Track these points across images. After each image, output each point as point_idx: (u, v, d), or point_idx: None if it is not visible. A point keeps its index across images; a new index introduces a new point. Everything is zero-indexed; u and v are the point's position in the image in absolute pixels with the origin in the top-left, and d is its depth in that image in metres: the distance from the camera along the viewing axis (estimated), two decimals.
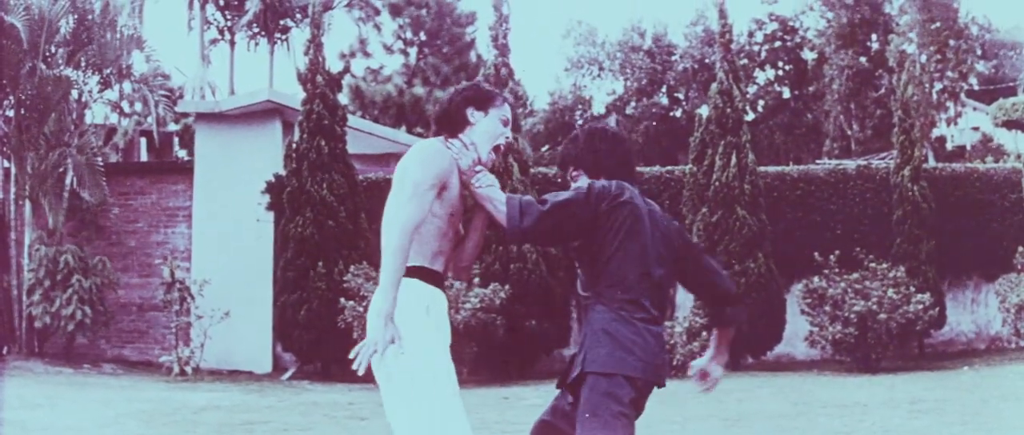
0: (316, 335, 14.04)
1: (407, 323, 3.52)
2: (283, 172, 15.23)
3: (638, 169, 16.13)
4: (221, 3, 31.91)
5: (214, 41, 32.53)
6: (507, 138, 3.82)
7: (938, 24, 27.80)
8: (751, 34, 34.75)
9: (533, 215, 3.59)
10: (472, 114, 3.74)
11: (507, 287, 13.66)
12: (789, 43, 34.75)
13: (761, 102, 35.14)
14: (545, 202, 3.62)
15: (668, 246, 3.78)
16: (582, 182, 3.80)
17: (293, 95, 16.25)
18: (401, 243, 3.48)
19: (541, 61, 60.10)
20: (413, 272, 3.59)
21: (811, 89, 34.06)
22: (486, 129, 3.74)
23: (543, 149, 34.05)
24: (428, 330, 3.58)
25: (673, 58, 34.18)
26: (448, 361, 3.60)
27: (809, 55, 34.42)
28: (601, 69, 35.34)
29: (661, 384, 3.73)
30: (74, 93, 15.98)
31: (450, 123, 3.75)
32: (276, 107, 16.20)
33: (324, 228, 14.45)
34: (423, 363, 3.52)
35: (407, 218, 3.49)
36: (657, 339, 3.69)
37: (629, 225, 3.64)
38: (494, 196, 3.69)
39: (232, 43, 32.10)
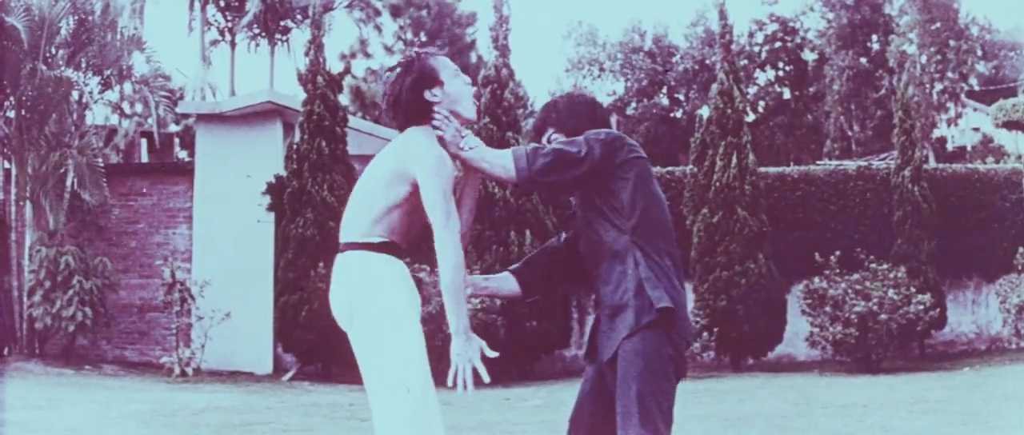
0: (317, 336, 14.03)
1: (380, 293, 3.55)
2: (284, 173, 15.23)
3: None
4: (222, 4, 31.93)
5: (215, 42, 32.56)
6: (472, 85, 3.75)
7: (938, 25, 27.81)
8: (751, 35, 34.75)
9: (544, 161, 3.56)
10: (432, 93, 3.66)
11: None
12: (789, 44, 34.75)
13: (762, 103, 35.13)
14: (552, 147, 3.61)
15: None
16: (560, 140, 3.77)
17: (294, 96, 16.26)
18: (459, 259, 3.49)
19: (542, 62, 60.13)
20: (388, 247, 3.58)
21: (811, 90, 34.07)
22: (451, 95, 3.68)
23: None
24: (404, 301, 3.59)
25: (674, 59, 34.19)
26: (421, 336, 3.62)
27: (809, 56, 34.44)
28: (602, 70, 35.34)
29: (691, 338, 3.73)
30: (74, 94, 15.97)
31: (417, 116, 3.67)
32: (277, 108, 16.20)
33: (325, 229, 14.45)
34: (399, 335, 3.55)
35: (455, 230, 3.49)
36: (683, 295, 3.67)
37: (648, 176, 3.67)
38: (485, 154, 3.66)
39: (233, 44, 32.13)
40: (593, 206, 3.67)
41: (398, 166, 3.57)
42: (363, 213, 3.60)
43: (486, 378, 3.51)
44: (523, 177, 3.56)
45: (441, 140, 3.64)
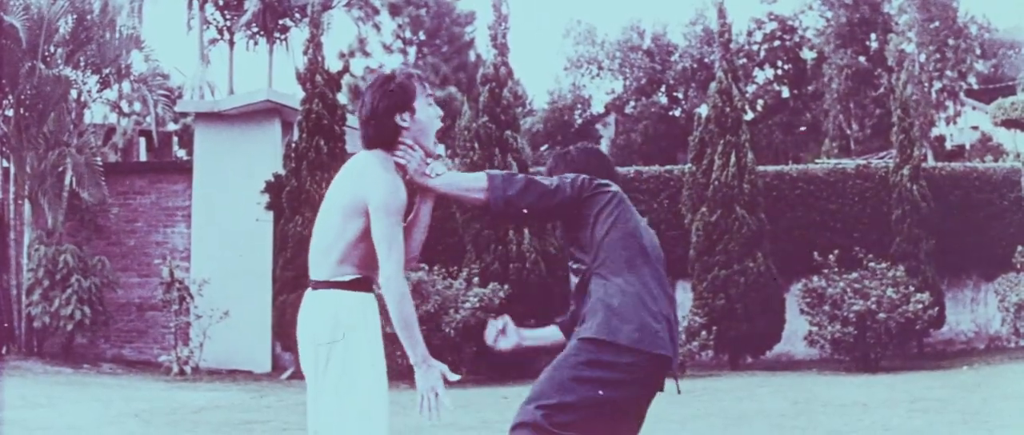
0: None
1: (347, 333, 3.54)
2: (282, 172, 15.23)
3: (637, 168, 16.21)
4: (220, 3, 31.90)
5: (213, 41, 32.52)
6: (440, 119, 3.72)
7: (937, 23, 27.82)
8: (750, 33, 34.75)
9: (518, 186, 3.64)
10: (403, 119, 3.61)
11: (506, 287, 13.67)
12: (788, 42, 34.75)
13: (760, 101, 35.13)
14: (527, 176, 3.73)
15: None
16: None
17: (292, 95, 16.24)
18: (403, 290, 3.50)
19: (540, 60, 60.17)
20: (357, 284, 3.58)
21: (810, 88, 34.06)
22: (421, 124, 3.64)
23: (542, 148, 34.04)
24: (370, 342, 3.58)
25: (672, 57, 34.18)
26: (383, 373, 3.61)
27: (808, 54, 34.43)
28: (600, 68, 35.33)
29: (669, 365, 3.68)
30: (73, 93, 15.97)
31: (385, 139, 3.62)
32: (275, 107, 16.19)
33: None
34: (363, 377, 3.54)
35: (397, 264, 3.50)
36: (661, 314, 3.67)
37: (616, 206, 3.74)
38: (456, 179, 3.72)
39: (231, 43, 32.09)
40: (569, 243, 3.83)
41: (353, 198, 3.54)
42: (328, 249, 3.59)
43: (448, 405, 3.54)
44: (496, 198, 3.61)
45: (403, 168, 3.61)
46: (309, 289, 3.67)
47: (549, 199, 3.68)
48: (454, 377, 3.56)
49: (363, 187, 3.52)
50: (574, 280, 3.86)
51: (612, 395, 3.57)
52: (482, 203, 3.65)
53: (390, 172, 3.55)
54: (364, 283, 3.58)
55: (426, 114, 3.65)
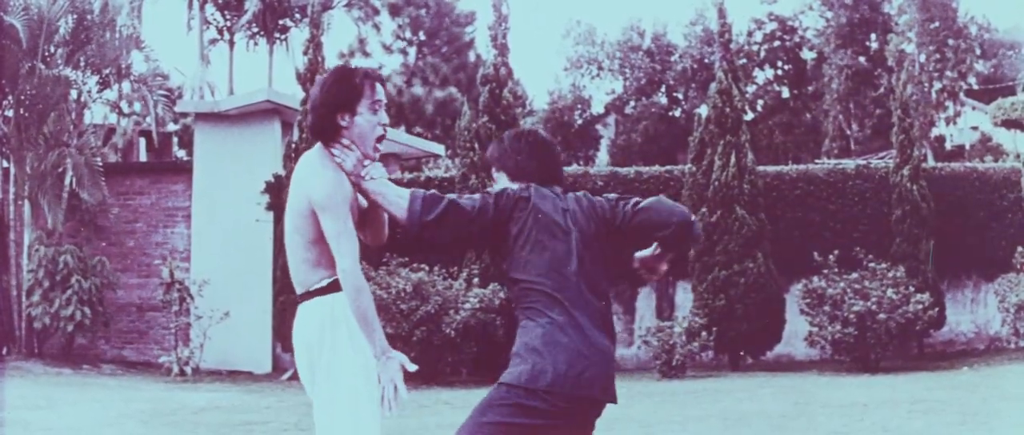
0: None
1: (338, 338, 3.57)
2: (282, 172, 15.22)
3: (637, 169, 16.21)
4: (220, 3, 31.89)
5: (213, 41, 32.52)
6: (384, 125, 3.69)
7: (937, 24, 27.82)
8: (750, 34, 34.75)
9: (436, 211, 3.50)
10: (342, 119, 3.61)
11: (506, 287, 13.67)
12: (788, 43, 34.75)
13: (760, 102, 35.13)
14: (450, 197, 3.56)
15: (597, 230, 3.64)
16: (500, 183, 3.75)
17: (292, 95, 16.25)
18: (359, 283, 3.48)
19: (540, 61, 60.18)
20: (335, 287, 3.58)
21: (810, 89, 34.07)
22: (359, 129, 3.62)
23: None
24: (353, 353, 3.58)
25: (672, 58, 34.18)
26: (373, 376, 3.59)
27: (808, 55, 34.44)
28: (600, 68, 35.33)
29: (596, 404, 3.53)
30: (73, 93, 15.97)
31: (325, 133, 3.63)
32: (275, 107, 16.19)
33: None
34: (351, 388, 3.56)
35: (353, 259, 3.50)
36: (587, 348, 3.48)
37: (531, 230, 3.53)
38: (385, 190, 3.60)
39: (231, 43, 32.09)
40: (503, 261, 3.65)
41: (304, 199, 3.57)
42: (299, 260, 3.63)
43: (404, 395, 3.51)
44: (413, 221, 3.51)
45: (341, 166, 3.62)
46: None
47: (467, 225, 3.53)
48: (412, 367, 3.54)
49: (307, 187, 3.55)
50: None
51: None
52: (400, 221, 3.57)
53: (329, 168, 3.57)
54: (338, 285, 3.59)
55: (366, 120, 3.62)
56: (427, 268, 13.55)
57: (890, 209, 15.34)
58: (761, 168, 15.63)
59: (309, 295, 3.62)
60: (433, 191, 3.59)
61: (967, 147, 28.22)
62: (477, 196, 3.59)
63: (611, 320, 3.67)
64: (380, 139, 3.66)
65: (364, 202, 3.75)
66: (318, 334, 3.59)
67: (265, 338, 15.44)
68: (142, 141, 24.46)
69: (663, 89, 34.69)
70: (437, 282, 13.37)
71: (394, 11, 37.59)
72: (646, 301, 15.91)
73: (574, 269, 3.55)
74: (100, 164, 16.09)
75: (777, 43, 34.84)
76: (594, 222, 3.65)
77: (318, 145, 3.65)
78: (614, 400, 3.60)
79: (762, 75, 35.77)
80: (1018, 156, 21.22)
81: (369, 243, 3.89)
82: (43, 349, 15.25)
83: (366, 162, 3.63)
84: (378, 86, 3.67)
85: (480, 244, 3.42)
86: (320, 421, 3.60)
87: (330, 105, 3.60)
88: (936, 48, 27.85)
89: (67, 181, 15.40)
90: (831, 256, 14.09)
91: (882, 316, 13.47)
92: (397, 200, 3.56)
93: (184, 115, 23.32)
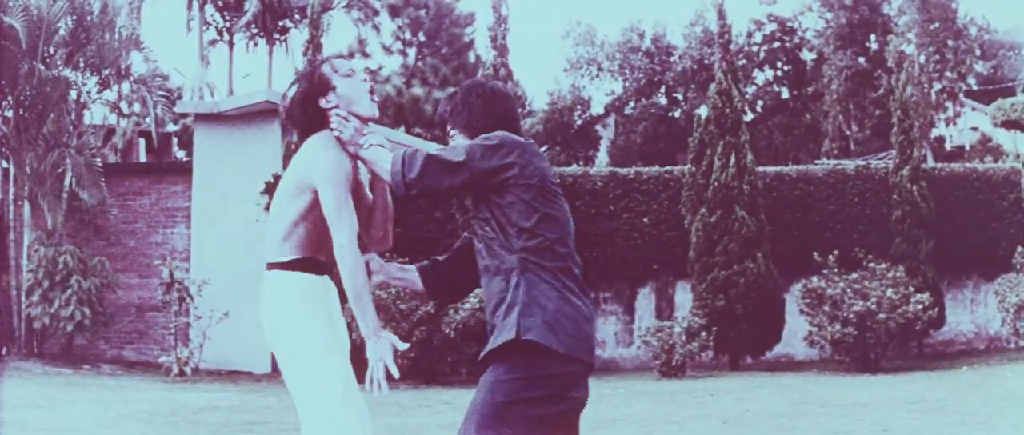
0: None
1: (282, 313, 3.62)
2: (282, 172, 15.21)
3: (637, 169, 16.21)
4: (220, 4, 31.91)
5: (213, 42, 32.52)
6: (367, 82, 3.74)
7: (937, 24, 27.82)
8: (750, 35, 34.74)
9: (417, 167, 3.35)
10: (325, 101, 3.67)
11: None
12: (788, 44, 34.74)
13: (760, 102, 35.13)
14: (430, 152, 3.41)
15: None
16: (457, 142, 3.54)
17: None
18: (356, 260, 3.48)
19: (540, 61, 60.15)
20: (296, 264, 3.62)
21: (810, 89, 34.06)
22: (346, 95, 3.67)
23: (542, 149, 34.04)
24: (302, 318, 3.61)
25: (672, 58, 34.17)
26: (332, 343, 3.63)
27: (808, 55, 34.43)
28: (600, 69, 35.31)
29: (591, 363, 3.34)
30: (73, 94, 15.97)
31: (314, 124, 3.68)
32: (275, 107, 16.17)
33: None
34: (302, 350, 3.59)
35: (349, 235, 3.50)
36: (587, 311, 3.34)
37: (535, 185, 3.35)
38: (378, 156, 3.53)
39: (231, 44, 32.10)
40: (482, 216, 3.42)
41: (299, 177, 3.61)
42: (273, 232, 3.66)
43: (395, 373, 3.49)
44: (397, 182, 3.41)
45: (341, 141, 3.62)
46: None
47: (452, 175, 3.33)
48: (403, 346, 3.53)
49: (306, 166, 3.59)
50: (478, 246, 3.47)
51: (549, 410, 3.25)
52: (392, 187, 3.49)
53: (330, 148, 3.60)
54: (306, 263, 3.62)
55: (346, 86, 3.69)
56: None
57: (890, 209, 15.35)
58: (761, 169, 15.64)
59: (271, 266, 3.66)
60: (416, 149, 3.49)
61: (967, 148, 28.22)
62: (459, 147, 3.40)
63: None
64: (372, 92, 3.71)
65: (371, 196, 3.78)
66: (270, 307, 3.65)
67: (265, 338, 15.43)
68: (142, 142, 24.47)
69: (663, 90, 34.69)
70: None
71: (394, 12, 37.60)
72: (646, 301, 15.91)
73: (570, 228, 3.43)
74: (100, 164, 16.10)
75: (777, 44, 34.83)
76: None
77: (315, 135, 3.68)
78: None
79: (762, 76, 35.76)
80: (1018, 157, 21.23)
81: (371, 245, 3.89)
82: (43, 349, 15.25)
83: (366, 129, 3.63)
84: (337, 61, 3.76)
85: (470, 194, 3.21)
86: (288, 384, 3.66)
87: (306, 98, 3.68)
88: (936, 49, 27.85)
89: (67, 181, 15.40)
90: (831, 256, 14.09)
91: (882, 316, 13.47)
92: (386, 163, 3.49)
93: (184, 116, 23.31)
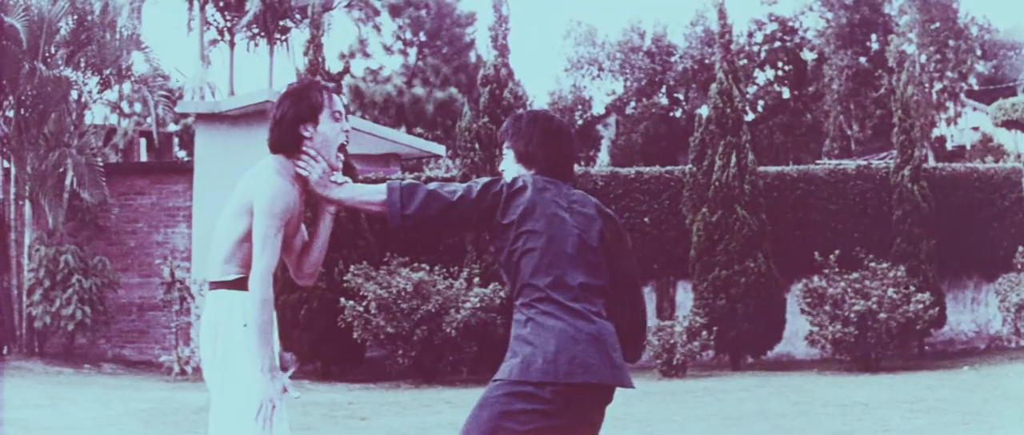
0: (316, 335, 14.04)
1: (224, 332, 3.60)
2: None
3: (638, 169, 16.22)
4: (221, 4, 31.94)
5: (214, 42, 32.59)
6: (346, 133, 3.72)
7: (938, 24, 27.82)
8: (751, 34, 34.77)
9: (417, 201, 3.44)
10: (306, 130, 3.64)
11: (507, 287, 13.67)
12: (789, 43, 34.77)
13: (761, 102, 35.16)
14: (429, 187, 3.47)
15: (600, 234, 3.53)
16: (507, 162, 3.63)
17: None
18: (266, 295, 3.50)
19: (541, 61, 60.22)
20: (240, 284, 3.60)
21: (811, 89, 34.08)
22: (324, 138, 3.64)
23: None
24: (241, 338, 3.60)
25: (673, 58, 34.19)
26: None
27: (809, 55, 34.46)
28: (601, 69, 35.35)
29: (598, 389, 3.36)
30: (74, 93, 15.98)
31: (287, 146, 3.66)
32: None
33: None
34: (240, 371, 3.57)
35: (267, 267, 3.51)
36: (580, 335, 3.34)
37: (526, 221, 3.41)
38: (357, 193, 3.58)
39: (232, 44, 32.15)
40: (494, 246, 3.54)
41: (244, 197, 3.60)
42: (218, 249, 3.65)
43: (283, 421, 3.54)
44: (393, 213, 3.46)
45: (303, 180, 3.63)
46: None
47: (449, 213, 3.44)
48: (295, 395, 3.56)
49: (253, 187, 3.58)
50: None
51: (539, 426, 3.30)
52: (381, 215, 3.53)
53: (283, 177, 3.59)
54: (246, 283, 3.60)
55: (330, 128, 3.65)
56: (428, 267, 13.55)
57: (891, 209, 15.35)
58: (762, 168, 15.64)
59: (214, 285, 3.65)
60: (410, 180, 3.53)
61: (968, 148, 28.22)
62: (460, 185, 3.50)
63: (604, 314, 3.48)
64: (342, 148, 3.68)
65: (306, 234, 3.76)
66: (212, 329, 3.64)
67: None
68: (143, 141, 24.48)
69: (664, 90, 34.70)
70: (438, 281, 13.37)
71: (395, 12, 37.62)
72: (647, 301, 15.92)
73: (571, 257, 3.43)
74: (101, 164, 16.10)
75: (778, 44, 34.86)
76: (600, 223, 3.55)
77: (274, 156, 3.67)
78: (623, 383, 3.41)
79: (763, 76, 35.80)
80: (1019, 156, 21.24)
81: (297, 279, 3.93)
82: (44, 348, 15.26)
83: (331, 174, 3.64)
84: (336, 97, 3.71)
85: (463, 230, 3.28)
86: (213, 412, 3.64)
87: (293, 118, 3.64)
88: (937, 49, 27.85)
89: (68, 181, 15.41)
90: (832, 256, 14.09)
91: (883, 315, 13.47)
92: (374, 196, 3.53)
93: (185, 116, 23.34)
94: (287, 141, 3.64)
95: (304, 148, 3.63)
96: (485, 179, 3.52)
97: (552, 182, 3.54)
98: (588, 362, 3.32)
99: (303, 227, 3.77)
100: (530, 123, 3.64)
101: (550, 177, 3.56)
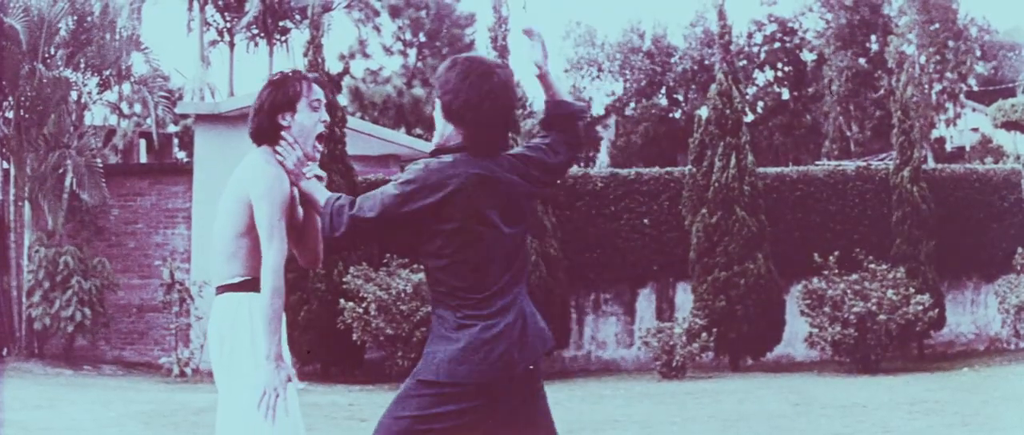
0: (315, 336, 14.03)
1: (236, 335, 3.65)
2: None
3: (638, 170, 16.22)
4: (220, 4, 31.94)
5: (213, 42, 32.59)
6: (325, 123, 3.78)
7: (937, 25, 27.83)
8: (750, 35, 34.76)
9: (342, 223, 3.40)
10: (284, 118, 3.71)
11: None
12: (788, 44, 34.76)
13: (760, 103, 35.14)
14: (355, 205, 3.40)
15: (529, 189, 3.48)
16: (437, 113, 3.42)
17: None
18: (277, 285, 3.52)
19: None
20: (246, 285, 3.65)
21: (810, 90, 34.07)
22: (301, 126, 3.71)
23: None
24: (250, 341, 3.64)
25: (672, 59, 34.20)
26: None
27: (808, 56, 34.45)
28: (600, 70, 35.36)
29: (497, 385, 3.35)
30: (73, 94, 15.98)
31: (267, 136, 3.73)
32: None
33: None
34: (250, 378, 3.59)
35: (277, 256, 3.54)
36: (492, 337, 3.34)
37: (446, 225, 3.33)
38: (314, 194, 3.61)
39: (231, 44, 32.15)
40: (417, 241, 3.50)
41: (239, 192, 3.65)
42: (219, 253, 3.70)
43: (287, 412, 3.54)
44: (325, 233, 3.47)
45: (284, 165, 3.68)
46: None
47: (370, 230, 3.41)
48: (301, 386, 3.62)
49: (246, 181, 3.64)
50: None
51: (434, 426, 3.36)
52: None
53: (272, 165, 3.66)
54: (251, 284, 3.64)
55: (307, 117, 3.72)
56: None
57: (890, 210, 15.35)
58: (761, 169, 15.63)
59: (223, 289, 3.68)
60: (341, 201, 3.44)
61: (967, 149, 28.24)
62: (377, 194, 3.37)
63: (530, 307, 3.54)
64: (321, 138, 3.75)
65: (301, 213, 3.80)
66: (219, 332, 3.68)
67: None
68: (142, 142, 24.49)
69: (663, 91, 34.71)
70: None
71: (394, 13, 37.60)
72: (646, 302, 15.92)
73: (497, 260, 3.38)
74: (100, 165, 16.09)
75: (777, 45, 34.85)
76: (528, 178, 3.47)
77: (261, 148, 3.73)
78: (531, 363, 3.41)
79: (762, 77, 35.78)
80: (1018, 158, 21.25)
81: (302, 263, 3.95)
82: (43, 350, 15.25)
83: (307, 163, 3.70)
84: (315, 87, 3.77)
85: (396, 236, 3.24)
86: (220, 409, 3.67)
87: (271, 106, 3.72)
88: (936, 50, 27.86)
89: (67, 182, 15.40)
90: (831, 257, 14.09)
91: (882, 317, 13.47)
92: (318, 206, 3.56)
93: (184, 117, 23.32)
94: (266, 129, 3.72)
95: (282, 136, 3.69)
96: (397, 185, 3.36)
97: (481, 165, 3.35)
98: (487, 362, 3.34)
99: (300, 210, 3.81)
100: (461, 77, 3.36)
101: (477, 146, 3.36)
